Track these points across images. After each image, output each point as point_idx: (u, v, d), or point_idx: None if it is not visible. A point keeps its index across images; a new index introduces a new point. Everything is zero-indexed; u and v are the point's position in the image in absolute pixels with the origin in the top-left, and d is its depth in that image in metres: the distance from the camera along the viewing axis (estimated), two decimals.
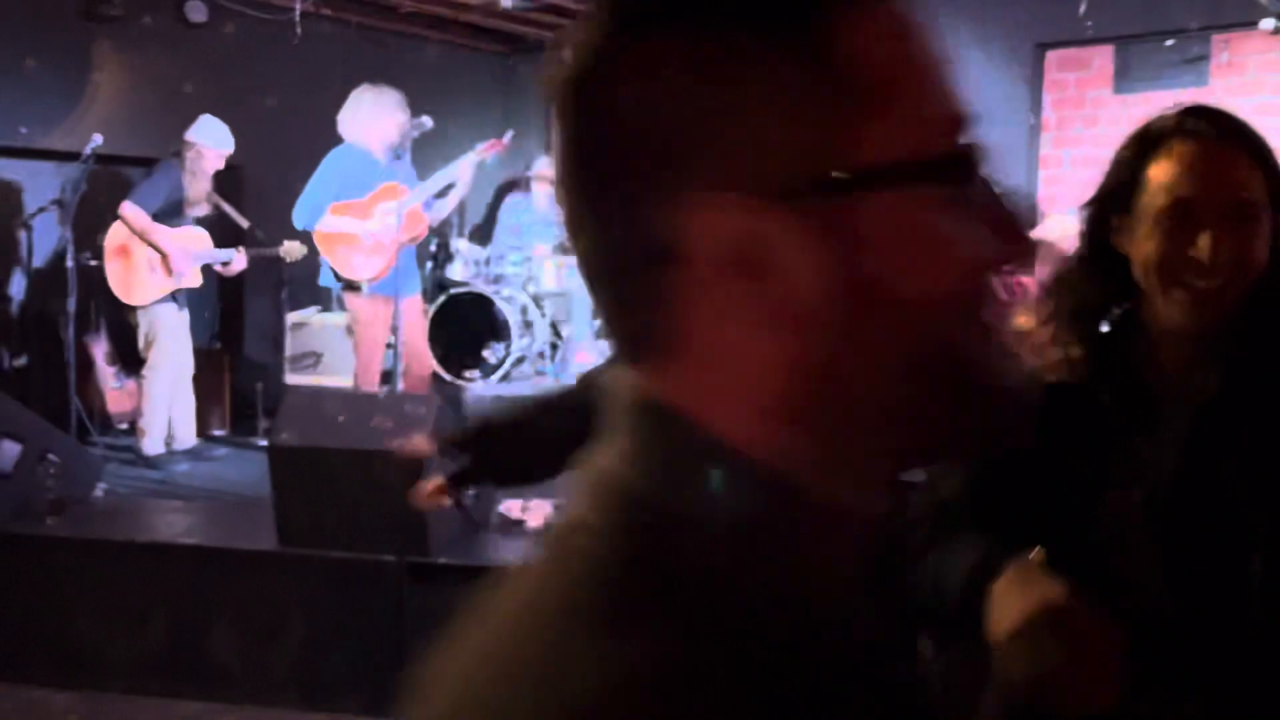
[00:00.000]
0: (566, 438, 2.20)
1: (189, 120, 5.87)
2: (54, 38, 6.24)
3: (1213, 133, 1.22)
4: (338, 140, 7.58)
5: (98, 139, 5.47)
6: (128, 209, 5.48)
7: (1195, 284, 1.17)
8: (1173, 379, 1.24)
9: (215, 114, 5.82)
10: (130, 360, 6.29)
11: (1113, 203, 1.27)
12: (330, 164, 5.34)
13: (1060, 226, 5.24)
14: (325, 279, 5.44)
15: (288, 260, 5.92)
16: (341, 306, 6.13)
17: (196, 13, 6.63)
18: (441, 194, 5.43)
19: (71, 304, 5.46)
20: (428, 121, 5.15)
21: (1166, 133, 1.24)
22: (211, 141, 5.64)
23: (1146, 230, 1.21)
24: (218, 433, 6.36)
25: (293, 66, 7.11)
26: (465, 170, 5.35)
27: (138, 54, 6.59)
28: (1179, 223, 1.19)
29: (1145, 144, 1.25)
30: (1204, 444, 1.19)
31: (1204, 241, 1.16)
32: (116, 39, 6.48)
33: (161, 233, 5.53)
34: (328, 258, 5.32)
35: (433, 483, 2.28)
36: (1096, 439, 1.26)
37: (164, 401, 5.64)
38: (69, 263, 5.49)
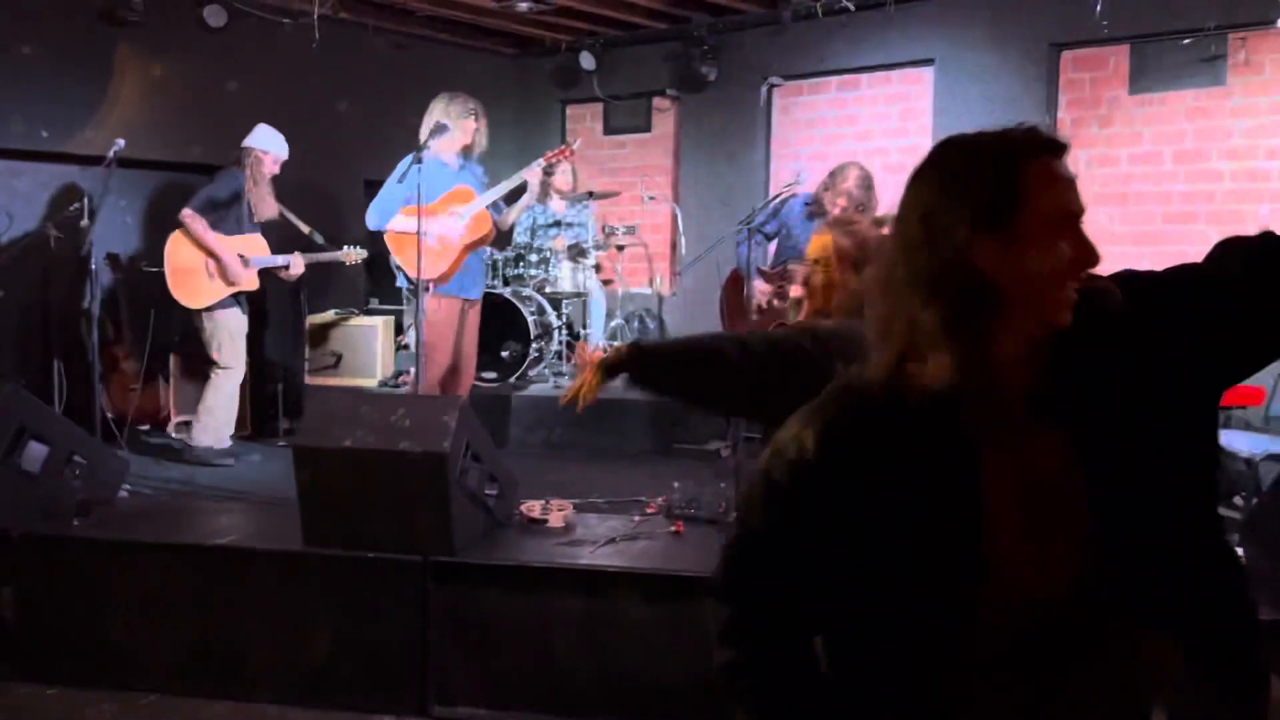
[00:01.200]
0: (765, 387, 2.21)
1: (208, 123, 5.93)
2: (75, 42, 6.30)
3: (1061, 148, 1.34)
4: (354, 141, 7.65)
5: (120, 143, 5.52)
6: (188, 214, 5.63)
7: (1075, 285, 1.29)
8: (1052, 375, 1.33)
9: (235, 116, 5.88)
10: (162, 361, 6.38)
11: (984, 217, 1.30)
12: (404, 167, 5.37)
13: None
14: (401, 281, 5.49)
15: (346, 265, 6.02)
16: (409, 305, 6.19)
17: (215, 17, 6.68)
18: (512, 200, 5.51)
19: (95, 307, 5.51)
20: (446, 124, 5.21)
21: (1030, 148, 1.32)
22: (269, 147, 5.77)
23: (1042, 240, 1.29)
24: (240, 433, 6.42)
25: (311, 69, 7.16)
26: (533, 177, 5.45)
27: (158, 58, 6.64)
28: (1070, 231, 1.30)
29: (1009, 160, 1.32)
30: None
31: (1091, 245, 1.31)
32: (136, 43, 6.54)
33: (218, 238, 5.66)
34: (398, 258, 5.37)
35: (593, 354, 2.32)
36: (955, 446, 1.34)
37: (233, 401, 5.80)
38: (92, 265, 5.54)
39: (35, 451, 4.11)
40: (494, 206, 5.48)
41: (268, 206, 5.81)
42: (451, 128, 5.29)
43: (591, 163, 8.38)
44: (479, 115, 5.38)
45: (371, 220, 5.37)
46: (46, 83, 6.19)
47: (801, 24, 7.14)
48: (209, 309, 5.72)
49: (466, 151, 5.39)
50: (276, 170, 5.85)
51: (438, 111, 5.34)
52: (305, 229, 6.00)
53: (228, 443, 5.90)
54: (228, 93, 6.77)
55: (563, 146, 5.71)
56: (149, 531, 4.19)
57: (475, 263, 5.53)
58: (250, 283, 5.81)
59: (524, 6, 7.21)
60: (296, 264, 5.87)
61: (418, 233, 5.02)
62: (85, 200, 5.58)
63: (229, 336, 5.75)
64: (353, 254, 5.98)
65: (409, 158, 5.38)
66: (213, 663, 3.87)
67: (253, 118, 5.95)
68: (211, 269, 5.70)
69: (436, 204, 5.29)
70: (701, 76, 7.57)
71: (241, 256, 5.75)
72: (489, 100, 8.23)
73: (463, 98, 5.39)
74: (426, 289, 5.30)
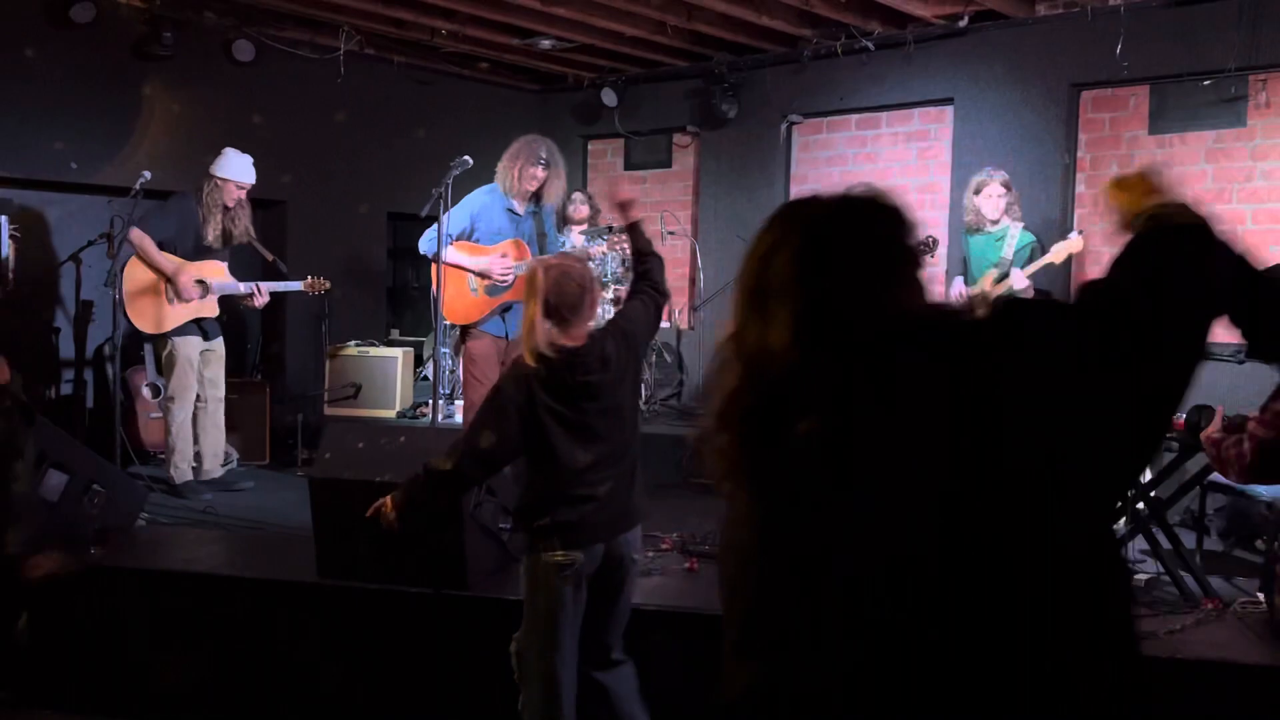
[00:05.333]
0: None
1: None
2: (106, 76, 6.41)
3: None
4: (379, 176, 7.72)
5: (147, 175, 5.60)
6: (134, 233, 5.53)
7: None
8: None
9: (259, 151, 5.93)
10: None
11: None
12: (470, 200, 5.33)
13: (1066, 248, 5.45)
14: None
15: (311, 294, 5.99)
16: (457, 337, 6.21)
17: (244, 52, 6.78)
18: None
19: (119, 336, 5.57)
20: (469, 160, 5.24)
21: None
22: (229, 173, 5.67)
23: None
24: (258, 463, 6.45)
25: (337, 104, 7.26)
26: (598, 251, 5.49)
27: (186, 92, 6.75)
28: None
29: None
30: None
31: None
32: (166, 78, 6.64)
33: (168, 260, 5.57)
34: (435, 290, 5.33)
35: None
36: None
37: (185, 430, 5.65)
38: (116, 295, 5.61)
39: (55, 479, 4.16)
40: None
41: (220, 232, 5.69)
42: (514, 173, 5.21)
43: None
44: (551, 165, 5.22)
45: (422, 246, 5.35)
46: (77, 115, 6.29)
47: (821, 62, 7.19)
48: (166, 335, 5.61)
49: (536, 199, 5.32)
50: (241, 195, 5.73)
51: (510, 151, 5.25)
52: (269, 257, 5.97)
53: (219, 471, 5.83)
54: (254, 126, 6.86)
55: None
56: (166, 560, 4.22)
57: (519, 306, 5.51)
58: (210, 309, 5.73)
59: (547, 44, 7.30)
60: (259, 295, 5.78)
61: (437, 280, 5.05)
62: (111, 230, 5.64)
63: (182, 365, 5.62)
64: (317, 283, 5.92)
65: (480, 191, 5.35)
66: (226, 691, 3.88)
67: (278, 151, 6.03)
68: (170, 292, 5.60)
69: (491, 249, 5.26)
70: (722, 113, 7.62)
71: (201, 282, 5.64)
72: (512, 135, 8.31)
73: (538, 146, 5.25)
74: (462, 335, 5.32)
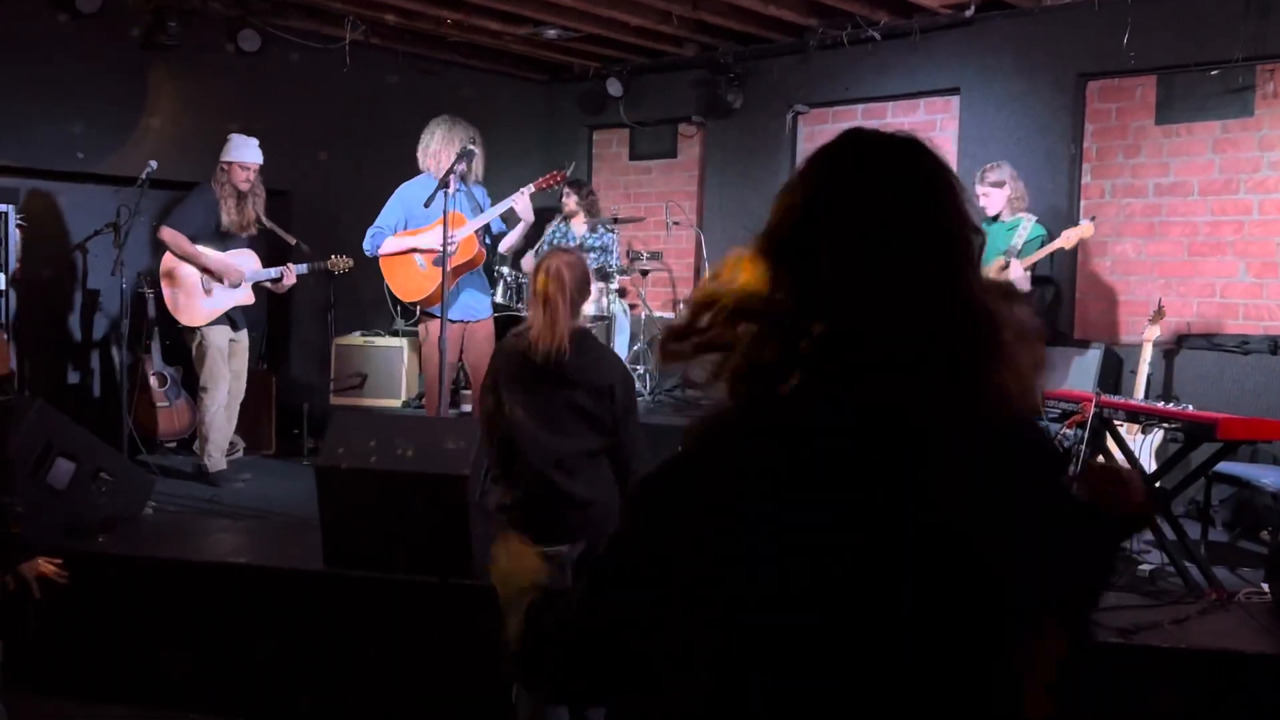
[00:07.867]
0: None
1: None
2: (111, 66, 6.41)
3: None
4: (385, 166, 7.72)
5: (153, 165, 5.62)
6: (165, 232, 5.64)
7: None
8: None
9: (266, 141, 5.94)
10: (184, 379, 6.43)
11: None
12: (400, 193, 5.54)
13: (1077, 233, 5.49)
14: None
15: (335, 273, 6.06)
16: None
17: (249, 42, 6.78)
18: (513, 224, 5.61)
19: (125, 324, 5.59)
20: (474, 150, 5.27)
21: None
22: (235, 156, 5.74)
23: None
24: (264, 452, 6.48)
25: (342, 94, 7.26)
26: (521, 200, 5.50)
27: (192, 82, 6.75)
28: None
29: None
30: None
31: None
32: (172, 67, 6.64)
33: (204, 253, 5.66)
34: (389, 282, 5.49)
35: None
36: None
37: (219, 419, 5.76)
38: (123, 284, 5.62)
39: (62, 467, 4.16)
40: (486, 230, 5.56)
41: (244, 225, 5.78)
42: (476, 152, 5.37)
43: (617, 188, 8.42)
44: (477, 141, 5.44)
45: (366, 247, 5.52)
46: (83, 104, 6.30)
47: (827, 52, 7.17)
48: (196, 326, 5.70)
49: (464, 176, 5.45)
50: (250, 177, 5.78)
51: (439, 136, 5.43)
52: (291, 240, 6.04)
53: (223, 466, 5.86)
54: (260, 116, 6.86)
55: (553, 172, 5.78)
56: (173, 549, 4.24)
57: (472, 283, 5.58)
58: (246, 298, 5.83)
59: (552, 34, 7.29)
60: (288, 275, 5.88)
61: (443, 259, 5.07)
62: (117, 220, 5.66)
63: (213, 355, 5.71)
64: (340, 261, 6.01)
65: (406, 184, 5.49)
66: (232, 680, 3.89)
67: (283, 141, 6.04)
68: (208, 285, 5.71)
69: (428, 227, 5.38)
70: (727, 103, 7.61)
71: (240, 272, 5.76)
72: (517, 125, 8.34)
73: (464, 124, 5.48)
74: (420, 319, 5.43)
